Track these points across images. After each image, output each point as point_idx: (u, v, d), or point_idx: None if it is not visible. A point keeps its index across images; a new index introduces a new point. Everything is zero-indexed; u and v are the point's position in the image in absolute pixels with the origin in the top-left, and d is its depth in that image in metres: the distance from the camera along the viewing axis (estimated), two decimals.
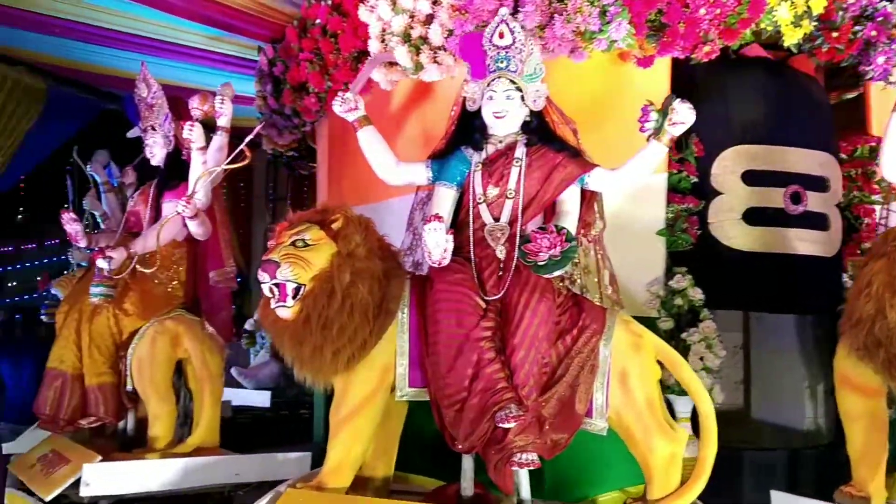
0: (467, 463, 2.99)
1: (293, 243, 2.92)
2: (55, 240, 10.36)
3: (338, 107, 3.20)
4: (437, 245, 2.84)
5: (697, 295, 3.75)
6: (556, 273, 2.80)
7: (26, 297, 11.13)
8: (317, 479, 3.07)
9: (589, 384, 2.82)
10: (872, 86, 4.41)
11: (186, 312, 4.25)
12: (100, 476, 3.48)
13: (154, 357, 4.01)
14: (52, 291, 4.98)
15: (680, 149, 4.16)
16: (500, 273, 2.93)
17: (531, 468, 2.69)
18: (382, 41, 4.05)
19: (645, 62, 3.78)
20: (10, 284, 11.29)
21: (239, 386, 7.02)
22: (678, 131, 2.93)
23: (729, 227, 4.07)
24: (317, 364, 2.95)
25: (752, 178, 4.10)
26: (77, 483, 3.50)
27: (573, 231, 2.99)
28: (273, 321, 2.97)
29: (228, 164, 3.90)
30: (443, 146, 3.25)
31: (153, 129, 4.43)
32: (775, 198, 4.08)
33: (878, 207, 4.84)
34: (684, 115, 2.89)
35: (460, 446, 2.75)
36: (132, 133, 4.77)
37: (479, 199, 3.06)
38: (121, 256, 4.00)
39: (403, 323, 3.01)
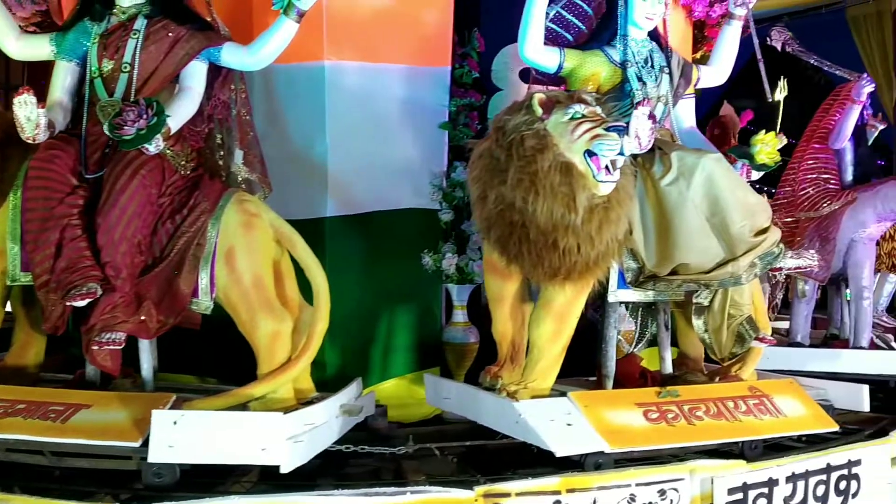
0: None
1: None
2: None
3: None
4: (28, 120, 2.68)
5: None
6: (150, 149, 2.69)
7: None
8: None
9: (194, 264, 2.77)
10: None
11: None
12: None
13: None
14: None
15: (463, 43, 4.11)
16: (108, 150, 2.81)
17: (115, 348, 2.64)
18: None
19: None
20: None
21: None
22: (305, 5, 2.84)
23: None
24: None
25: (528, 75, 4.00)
26: None
27: (189, 108, 2.89)
28: None
29: None
30: (69, 18, 3.04)
31: None
32: None
33: None
34: None
35: (46, 326, 2.67)
36: None
37: (94, 73, 2.90)
38: None
39: (16, 205, 2.86)
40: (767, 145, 3.09)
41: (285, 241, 2.91)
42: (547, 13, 3.23)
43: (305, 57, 3.70)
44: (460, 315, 3.93)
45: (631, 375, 3.29)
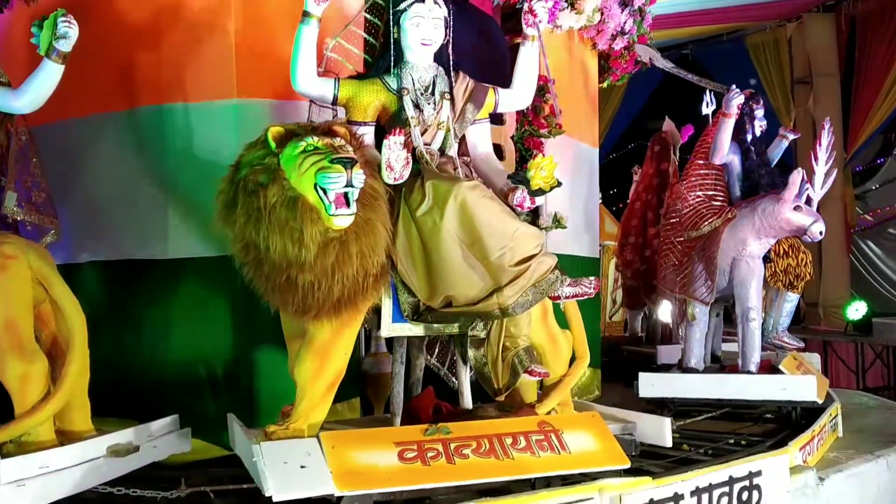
0: None
1: None
2: None
3: None
4: None
5: None
6: None
7: None
8: None
9: None
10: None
11: None
12: None
13: None
14: None
15: None
16: None
17: None
18: None
19: None
20: None
21: None
22: (65, 47, 2.86)
23: None
24: None
25: None
26: None
27: None
28: None
29: None
30: None
31: None
32: None
33: (545, 141, 4.92)
34: (63, 30, 2.83)
35: None
36: None
37: None
38: None
39: None
40: (543, 170, 2.96)
41: (43, 282, 2.92)
42: (327, 43, 3.19)
43: (216, 95, 3.76)
44: (380, 345, 3.93)
45: (424, 411, 3.17)
